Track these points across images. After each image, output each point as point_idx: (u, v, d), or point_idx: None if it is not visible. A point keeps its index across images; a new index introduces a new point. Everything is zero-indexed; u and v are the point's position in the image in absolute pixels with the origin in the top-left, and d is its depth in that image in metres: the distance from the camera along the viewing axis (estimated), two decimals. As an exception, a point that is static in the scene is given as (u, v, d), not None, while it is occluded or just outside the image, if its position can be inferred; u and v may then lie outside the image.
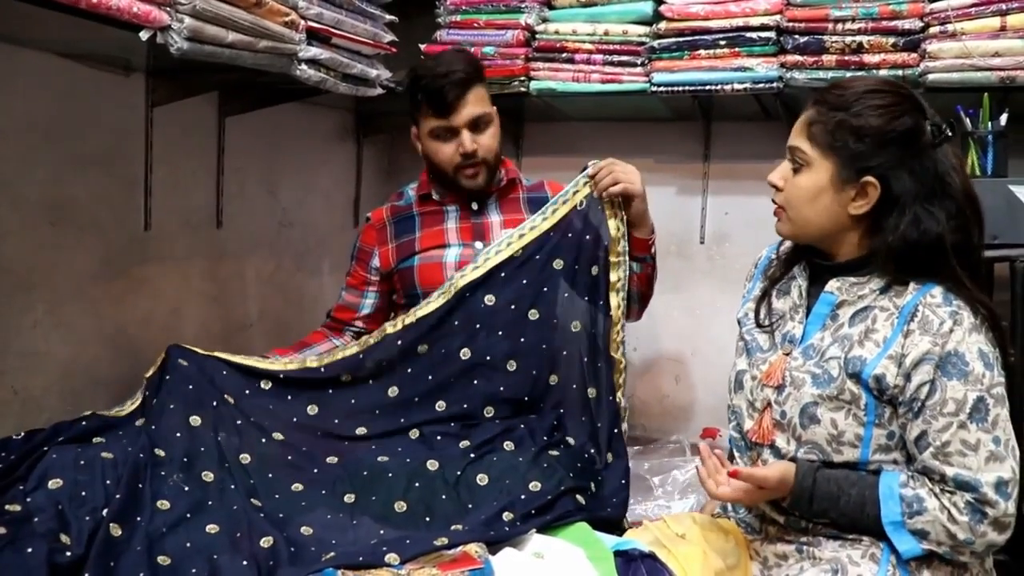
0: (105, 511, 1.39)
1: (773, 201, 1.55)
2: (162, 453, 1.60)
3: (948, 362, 1.37)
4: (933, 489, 1.37)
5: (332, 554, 1.42)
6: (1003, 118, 2.17)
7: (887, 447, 1.42)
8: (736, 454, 1.62)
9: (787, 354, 1.51)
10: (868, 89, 1.46)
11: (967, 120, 2.20)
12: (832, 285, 1.51)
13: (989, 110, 2.19)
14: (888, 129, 1.43)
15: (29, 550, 1.26)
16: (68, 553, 1.29)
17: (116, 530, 1.37)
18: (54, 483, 1.42)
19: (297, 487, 1.71)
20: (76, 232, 2.07)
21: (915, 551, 1.38)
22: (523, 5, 2.65)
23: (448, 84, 2.01)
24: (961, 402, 1.36)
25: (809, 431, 1.44)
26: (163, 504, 1.47)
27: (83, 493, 1.41)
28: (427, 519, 1.67)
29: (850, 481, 1.43)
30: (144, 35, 1.69)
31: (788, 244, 1.65)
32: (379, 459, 1.82)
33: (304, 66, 2.12)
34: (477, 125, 2.06)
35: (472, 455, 1.82)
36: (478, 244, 2.11)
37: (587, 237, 1.96)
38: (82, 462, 1.48)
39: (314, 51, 2.12)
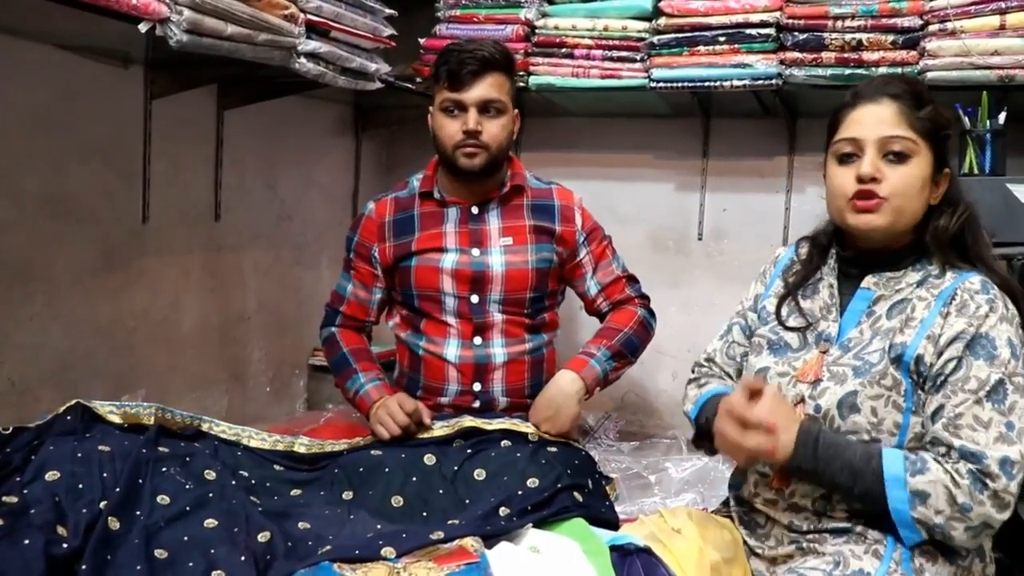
0: (103, 504, 1.39)
1: (864, 195, 1.47)
2: (165, 450, 1.60)
3: (978, 343, 1.39)
4: (936, 458, 1.37)
5: (328, 548, 1.42)
6: (1002, 117, 2.17)
7: (922, 435, 1.42)
8: None
9: (824, 352, 1.51)
10: (926, 85, 1.51)
11: (966, 118, 2.20)
12: (868, 281, 1.52)
13: (988, 108, 2.18)
14: (952, 122, 1.51)
15: (26, 542, 1.25)
16: (65, 545, 1.28)
17: (114, 523, 1.36)
18: (51, 475, 1.41)
19: (296, 492, 1.72)
20: (74, 224, 2.07)
21: (905, 515, 1.36)
22: (523, 0, 2.64)
23: (469, 58, 2.00)
24: (983, 381, 1.37)
25: (849, 421, 1.43)
26: (163, 499, 1.47)
27: (80, 486, 1.41)
28: (424, 514, 1.67)
29: (853, 441, 1.43)
30: (143, 27, 1.69)
31: (808, 246, 1.65)
32: (375, 454, 1.83)
33: (303, 59, 2.12)
34: (487, 109, 2.03)
35: (469, 451, 1.82)
36: (475, 251, 2.09)
37: None
38: (79, 455, 1.47)
39: (313, 44, 2.12)
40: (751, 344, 1.66)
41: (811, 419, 1.45)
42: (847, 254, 1.57)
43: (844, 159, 1.50)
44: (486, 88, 2.01)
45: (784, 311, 1.61)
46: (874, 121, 1.48)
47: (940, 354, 1.40)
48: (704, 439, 1.63)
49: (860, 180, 1.46)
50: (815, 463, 1.41)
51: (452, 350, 2.08)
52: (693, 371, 1.77)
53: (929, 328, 1.42)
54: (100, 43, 2.02)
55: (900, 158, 1.46)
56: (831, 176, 1.52)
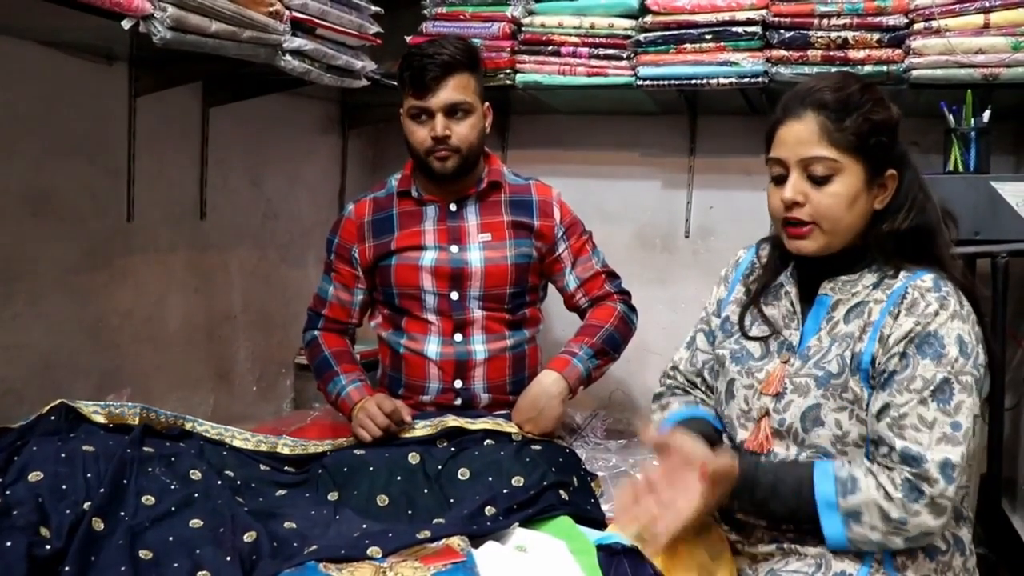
0: (87, 505, 1.38)
1: (792, 222, 1.46)
2: (150, 450, 1.59)
3: (925, 341, 1.37)
4: (870, 468, 1.36)
5: (314, 548, 1.42)
6: (986, 115, 2.18)
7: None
8: None
9: (785, 362, 1.50)
10: (859, 85, 1.47)
11: (950, 117, 2.21)
12: (825, 287, 1.51)
13: (972, 107, 2.19)
14: (895, 119, 1.47)
15: (8, 543, 1.24)
16: (48, 546, 1.27)
17: (98, 524, 1.35)
18: (34, 476, 1.40)
19: (281, 492, 1.72)
20: (58, 223, 2.06)
21: (840, 539, 1.36)
22: (509, -2, 2.64)
23: (430, 64, 1.99)
24: (928, 381, 1.36)
25: (813, 434, 1.43)
26: (148, 499, 1.46)
27: (64, 486, 1.40)
28: (409, 512, 1.67)
29: (785, 469, 1.43)
30: (126, 24, 1.68)
31: (769, 249, 1.63)
32: (359, 453, 1.83)
33: (288, 57, 2.10)
34: (455, 112, 2.02)
35: (453, 449, 1.82)
36: (454, 248, 2.09)
37: None
38: (63, 455, 1.46)
39: (299, 42, 2.11)
40: (716, 357, 1.63)
41: (744, 461, 1.44)
42: (803, 262, 1.55)
43: (776, 180, 1.49)
44: (450, 92, 2.01)
45: (747, 320, 1.59)
46: (795, 140, 1.44)
47: (888, 353, 1.39)
48: None
49: (784, 205, 1.45)
50: (754, 507, 1.44)
51: (433, 347, 2.08)
52: (660, 383, 1.75)
53: (880, 329, 1.41)
54: (83, 40, 2.00)
55: (824, 179, 1.43)
56: (768, 195, 1.51)
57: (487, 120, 2.12)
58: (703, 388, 1.70)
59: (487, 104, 2.12)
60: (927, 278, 1.42)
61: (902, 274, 1.45)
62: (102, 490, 1.41)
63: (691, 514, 1.37)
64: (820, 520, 1.38)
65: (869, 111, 1.44)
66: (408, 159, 2.16)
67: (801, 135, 1.44)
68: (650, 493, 1.41)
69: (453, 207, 2.13)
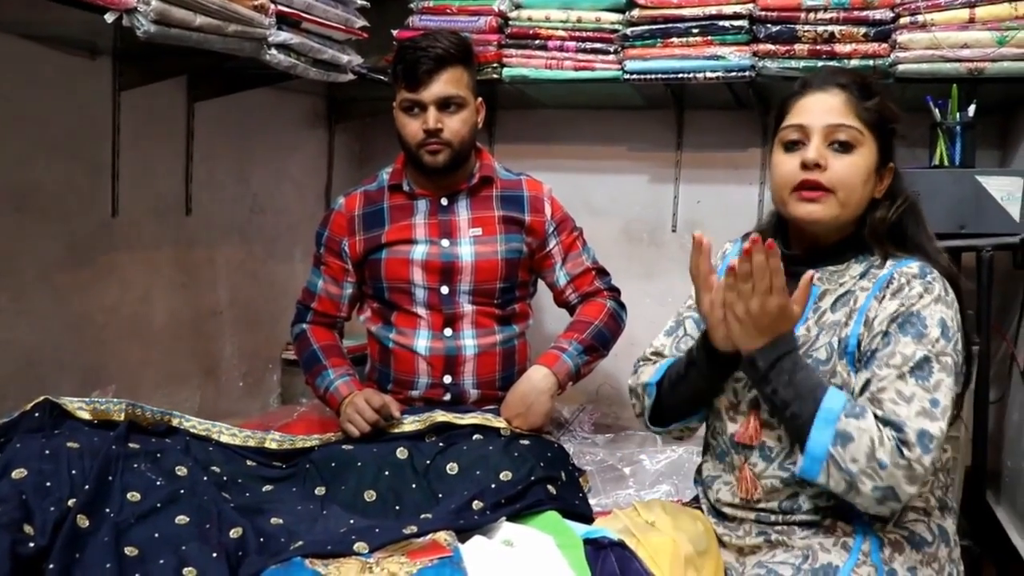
0: (71, 502, 1.37)
1: (808, 186, 1.46)
2: (135, 446, 1.58)
3: (908, 321, 1.38)
4: (877, 417, 1.35)
5: (301, 543, 1.41)
6: (971, 109, 2.20)
7: None
8: (709, 460, 1.61)
9: None
10: (873, 76, 1.50)
11: (936, 111, 2.22)
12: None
13: (958, 101, 2.21)
14: (898, 116, 1.50)
15: (-8, 541, 1.24)
16: (32, 544, 1.26)
17: (83, 521, 1.35)
18: (18, 473, 1.39)
19: (268, 488, 1.71)
20: (41, 218, 2.04)
21: (820, 452, 1.33)
22: (496, -9, 2.64)
23: (424, 57, 1.99)
24: (908, 357, 1.36)
25: None
26: (133, 496, 1.45)
27: (48, 483, 1.39)
28: (396, 508, 1.67)
29: (814, 369, 1.42)
30: (110, 17, 1.66)
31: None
32: (346, 448, 1.82)
33: (274, 51, 2.09)
34: (447, 106, 2.02)
35: (441, 444, 1.82)
36: (444, 242, 2.09)
37: None
38: (47, 452, 1.45)
39: (284, 36, 2.10)
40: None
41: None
42: (791, 252, 1.55)
43: (790, 146, 1.49)
44: (443, 85, 2.01)
45: None
46: (821, 109, 1.47)
47: (872, 333, 1.40)
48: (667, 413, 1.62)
49: (804, 166, 1.45)
50: (770, 370, 1.39)
51: (422, 342, 2.08)
52: (635, 368, 1.70)
53: (864, 313, 1.42)
54: (66, 33, 1.99)
55: (845, 147, 1.45)
56: (776, 164, 1.51)
57: (479, 115, 2.12)
58: None
59: (480, 99, 2.12)
60: (913, 265, 1.44)
61: (889, 262, 1.47)
62: (87, 487, 1.40)
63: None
64: (811, 426, 1.34)
65: (885, 100, 1.49)
66: (400, 153, 2.15)
67: (829, 104, 1.47)
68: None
69: (444, 201, 2.13)
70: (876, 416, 1.34)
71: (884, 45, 2.31)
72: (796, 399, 1.37)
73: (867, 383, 1.38)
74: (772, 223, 1.63)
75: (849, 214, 1.48)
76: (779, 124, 1.53)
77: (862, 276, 1.48)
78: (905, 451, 1.30)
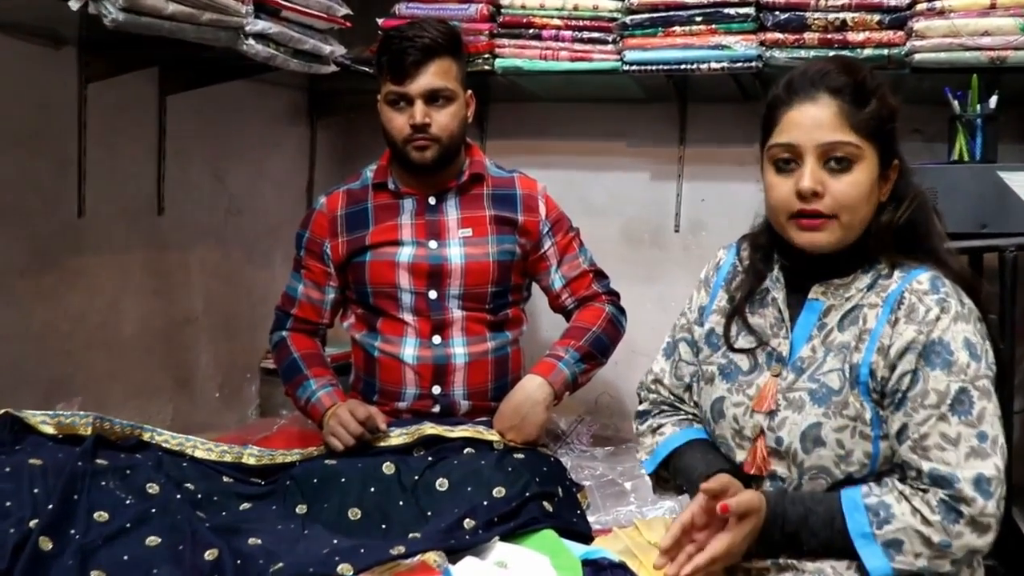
0: (33, 523, 1.36)
1: (808, 215, 1.41)
2: (103, 462, 1.57)
3: (932, 351, 1.35)
4: (902, 492, 1.35)
5: (280, 565, 1.41)
6: (992, 101, 2.20)
7: (892, 456, 1.40)
8: None
9: (776, 375, 1.48)
10: (868, 68, 1.45)
11: (955, 103, 2.22)
12: (816, 291, 1.48)
13: (978, 92, 2.20)
14: (900, 107, 1.45)
15: (-53, 566, 1.23)
16: (-10, 568, 1.26)
17: (46, 543, 1.34)
18: (-25, 493, 1.39)
19: (245, 506, 1.70)
20: (1, 220, 2.03)
21: (885, 570, 1.35)
22: (488, -24, 2.64)
23: (410, 47, 1.98)
24: (943, 393, 1.34)
25: (814, 455, 1.41)
26: (101, 516, 1.44)
27: (8, 503, 1.38)
28: (383, 527, 1.66)
29: (815, 499, 1.41)
30: (75, 5, 1.66)
31: (750, 251, 1.60)
32: (330, 463, 1.81)
33: (251, 41, 2.09)
34: (435, 99, 2.02)
35: (430, 458, 1.81)
36: (432, 243, 2.08)
37: None
38: (7, 469, 1.45)
39: (262, 25, 2.10)
40: (702, 372, 1.60)
41: (770, 496, 1.41)
42: (790, 264, 1.52)
43: (782, 166, 1.43)
44: (431, 77, 2.00)
45: (732, 330, 1.56)
46: (812, 124, 1.40)
47: (893, 367, 1.37)
48: (670, 481, 1.62)
49: (800, 196, 1.40)
50: (785, 542, 1.41)
51: (409, 350, 2.07)
52: (640, 396, 1.70)
53: (878, 339, 1.39)
54: (28, 21, 1.99)
55: (843, 163, 1.39)
56: (769, 185, 1.46)
57: (469, 109, 2.11)
58: (691, 403, 1.65)
59: (469, 92, 2.11)
60: (923, 278, 1.40)
61: (896, 273, 1.43)
62: (50, 506, 1.40)
63: (719, 553, 1.35)
64: (858, 553, 1.35)
65: (884, 96, 1.43)
66: (385, 149, 2.15)
67: (819, 118, 1.40)
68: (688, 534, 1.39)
69: (432, 200, 2.12)
70: (923, 471, 1.33)
71: (899, 33, 2.31)
72: (828, 539, 1.38)
73: (903, 429, 1.36)
74: (766, 229, 1.57)
75: (854, 234, 1.43)
76: (766, 134, 1.47)
77: (869, 289, 1.44)
78: (964, 508, 1.30)
